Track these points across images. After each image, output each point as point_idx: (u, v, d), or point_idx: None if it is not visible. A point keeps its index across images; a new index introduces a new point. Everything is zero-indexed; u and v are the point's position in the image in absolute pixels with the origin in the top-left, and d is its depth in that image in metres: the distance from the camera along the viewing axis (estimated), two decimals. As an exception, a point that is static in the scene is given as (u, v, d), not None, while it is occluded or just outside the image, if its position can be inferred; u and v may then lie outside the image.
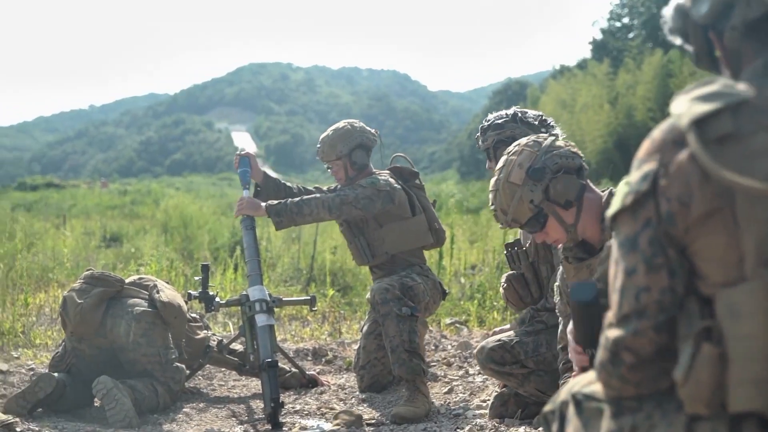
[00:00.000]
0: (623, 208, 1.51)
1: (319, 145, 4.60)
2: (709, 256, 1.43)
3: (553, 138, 2.79)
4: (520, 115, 3.67)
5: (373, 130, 4.64)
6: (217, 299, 4.51)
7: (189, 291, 4.59)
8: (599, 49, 42.02)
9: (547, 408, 1.77)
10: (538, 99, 37.60)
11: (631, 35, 41.17)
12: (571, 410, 1.66)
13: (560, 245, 2.85)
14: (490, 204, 2.85)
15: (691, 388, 1.41)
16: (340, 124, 4.62)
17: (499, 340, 3.52)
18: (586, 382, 1.68)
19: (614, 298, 1.52)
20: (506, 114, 3.71)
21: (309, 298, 4.81)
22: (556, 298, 2.95)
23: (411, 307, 4.10)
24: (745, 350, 1.36)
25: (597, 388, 1.61)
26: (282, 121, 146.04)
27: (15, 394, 3.94)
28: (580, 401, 1.65)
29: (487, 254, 8.44)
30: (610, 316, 1.53)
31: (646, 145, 1.52)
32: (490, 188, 2.83)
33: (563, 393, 1.73)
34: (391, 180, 4.48)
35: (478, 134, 3.79)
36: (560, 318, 2.97)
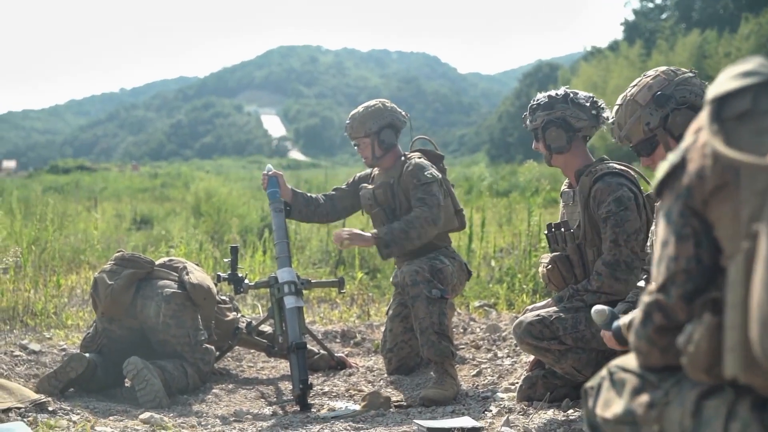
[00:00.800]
0: (663, 181, 1.58)
1: (348, 121, 4.58)
2: (721, 229, 1.48)
3: (693, 74, 2.88)
4: (571, 95, 3.61)
5: (404, 113, 4.62)
6: (246, 281, 4.52)
7: (218, 273, 4.61)
8: (631, 30, 41.59)
9: (588, 384, 1.80)
10: (569, 81, 37.29)
11: (663, 16, 40.72)
12: (606, 383, 1.71)
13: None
14: (613, 116, 2.99)
15: (691, 356, 1.47)
16: (372, 102, 4.59)
17: (538, 315, 3.47)
18: (625, 356, 1.73)
19: (653, 270, 1.59)
20: (557, 94, 3.64)
21: (337, 280, 4.80)
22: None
23: (441, 290, 4.08)
24: (730, 319, 1.41)
25: (629, 360, 1.67)
26: (311, 104, 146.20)
27: (47, 374, 3.98)
28: (613, 372, 1.70)
29: (516, 238, 8.38)
30: (650, 288, 1.59)
31: (693, 123, 1.59)
32: (617, 102, 2.96)
33: (604, 369, 1.77)
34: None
35: (526, 113, 3.70)
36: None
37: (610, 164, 3.52)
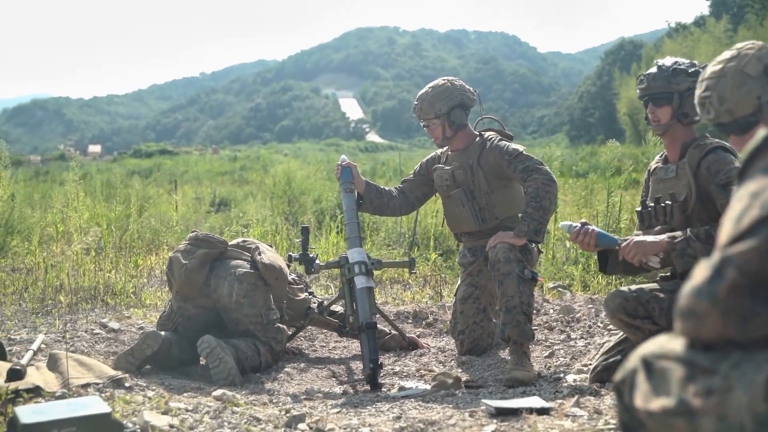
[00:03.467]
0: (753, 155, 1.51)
1: (416, 103, 4.53)
2: None
3: None
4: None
5: (472, 89, 4.55)
6: (317, 261, 4.55)
7: (290, 253, 4.64)
8: (718, 5, 40.33)
9: (618, 377, 1.67)
10: (653, 59, 36.42)
11: (752, -11, 39.33)
12: (640, 376, 1.58)
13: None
14: (703, 90, 2.70)
15: None
16: (440, 81, 4.53)
17: (634, 291, 3.37)
18: (657, 345, 1.60)
19: (727, 225, 1.48)
20: (700, 63, 3.59)
21: (408, 260, 4.78)
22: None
23: (533, 273, 4.04)
24: None
25: (670, 346, 1.55)
26: (388, 86, 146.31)
27: (124, 351, 4.08)
28: (650, 363, 1.57)
29: (593, 219, 8.23)
30: (720, 241, 1.48)
31: None
32: (707, 75, 2.69)
33: (633, 359, 1.64)
34: None
35: (667, 72, 3.52)
36: None
37: (715, 140, 3.46)
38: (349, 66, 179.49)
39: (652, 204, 3.56)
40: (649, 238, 3.41)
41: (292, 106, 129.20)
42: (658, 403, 1.51)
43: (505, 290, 4.00)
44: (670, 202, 3.48)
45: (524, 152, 4.26)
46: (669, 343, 1.57)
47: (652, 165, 3.73)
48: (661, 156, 3.71)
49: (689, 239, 3.29)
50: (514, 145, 4.30)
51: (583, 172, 15.32)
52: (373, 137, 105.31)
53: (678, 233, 3.34)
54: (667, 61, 3.60)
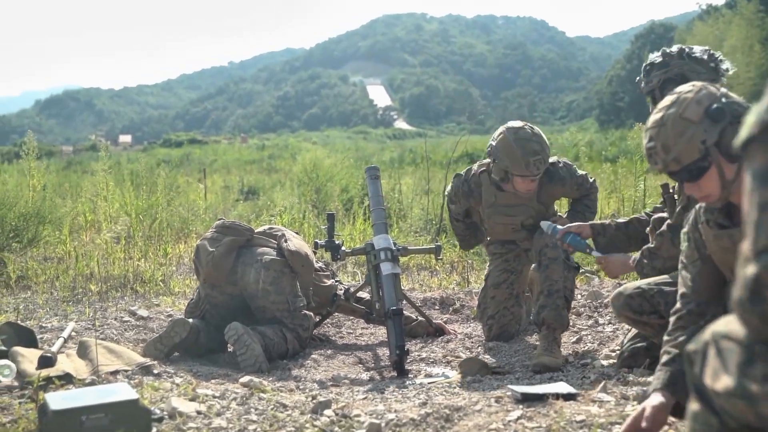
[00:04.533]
0: (752, 137, 1.40)
1: (539, 156, 4.27)
2: None
3: (726, 90, 2.56)
4: (687, 50, 3.45)
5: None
6: (343, 248, 4.56)
7: (316, 240, 4.65)
8: (749, -15, 39.70)
9: (691, 348, 1.71)
10: (684, 42, 35.94)
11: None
12: (711, 351, 1.60)
13: (703, 204, 2.65)
14: (647, 141, 2.59)
15: None
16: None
17: (638, 288, 3.36)
18: (724, 324, 1.61)
19: (749, 231, 1.42)
20: (671, 51, 3.50)
21: (434, 246, 4.78)
22: (684, 245, 2.78)
23: (576, 264, 4.06)
24: None
25: (734, 327, 1.55)
26: (416, 72, 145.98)
27: (153, 339, 4.12)
28: (717, 340, 1.59)
29: (622, 204, 8.17)
30: (745, 249, 1.43)
31: None
32: (650, 125, 2.57)
33: (707, 333, 1.65)
34: None
35: (640, 77, 3.53)
36: (685, 263, 2.78)
37: None
38: (377, 53, 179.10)
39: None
40: (619, 259, 3.64)
41: (320, 94, 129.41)
42: (722, 383, 1.53)
43: (550, 274, 4.00)
44: None
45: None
46: (733, 324, 1.56)
47: None
48: None
49: (641, 261, 3.45)
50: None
51: (612, 157, 15.23)
52: (400, 124, 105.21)
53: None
54: (674, 48, 3.52)
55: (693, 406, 1.71)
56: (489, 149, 4.32)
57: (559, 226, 3.84)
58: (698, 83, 2.58)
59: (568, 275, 4.00)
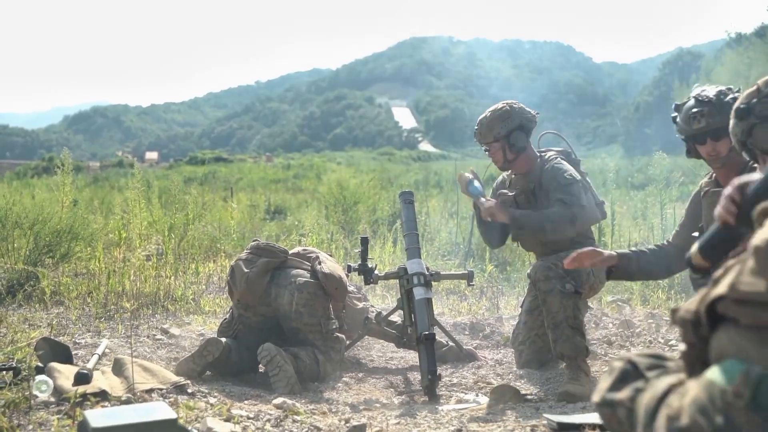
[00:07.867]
0: None
1: (476, 127, 4.51)
2: None
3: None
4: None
5: (533, 111, 4.52)
6: (376, 272, 4.57)
7: (348, 263, 4.67)
8: (779, 15, 39.51)
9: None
10: (712, 71, 35.76)
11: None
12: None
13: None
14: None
15: None
16: (499, 104, 4.50)
17: None
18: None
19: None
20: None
21: (467, 272, 4.78)
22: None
23: (574, 285, 4.01)
24: None
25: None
26: (442, 95, 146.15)
27: (185, 357, 4.14)
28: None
29: (651, 231, 8.14)
30: None
31: None
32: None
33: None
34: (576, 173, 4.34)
35: (704, 109, 3.41)
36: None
37: None
38: (403, 75, 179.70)
39: None
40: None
41: (345, 115, 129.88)
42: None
43: (549, 307, 4.02)
44: None
45: (574, 187, 4.19)
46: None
47: (703, 188, 3.65)
48: (710, 178, 3.63)
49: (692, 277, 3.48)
50: (569, 174, 4.24)
51: (639, 184, 15.14)
52: (425, 146, 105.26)
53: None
54: (710, 91, 3.48)
55: None
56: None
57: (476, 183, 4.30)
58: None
59: (566, 303, 3.99)
